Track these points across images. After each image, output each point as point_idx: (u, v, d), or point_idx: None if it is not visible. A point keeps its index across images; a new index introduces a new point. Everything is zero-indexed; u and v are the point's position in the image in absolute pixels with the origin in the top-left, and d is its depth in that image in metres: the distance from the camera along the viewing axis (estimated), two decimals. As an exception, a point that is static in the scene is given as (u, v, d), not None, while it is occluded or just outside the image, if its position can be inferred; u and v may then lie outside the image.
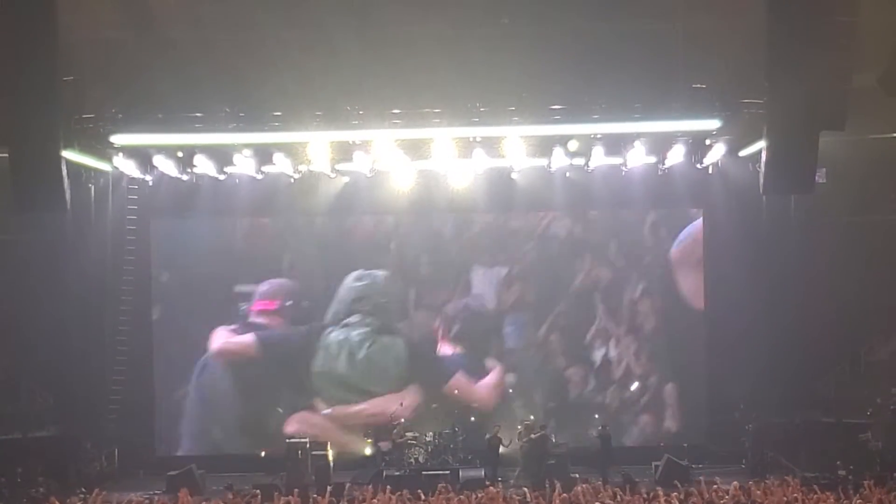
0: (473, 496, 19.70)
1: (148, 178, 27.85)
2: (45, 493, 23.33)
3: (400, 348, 29.02)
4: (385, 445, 26.98)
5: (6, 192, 22.02)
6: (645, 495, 19.86)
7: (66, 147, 22.33)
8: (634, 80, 25.43)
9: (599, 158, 26.86)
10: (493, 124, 25.46)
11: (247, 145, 26.24)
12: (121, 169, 27.30)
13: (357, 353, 28.96)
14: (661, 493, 19.34)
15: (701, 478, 22.04)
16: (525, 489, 20.92)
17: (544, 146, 26.42)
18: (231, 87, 25.71)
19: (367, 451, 27.68)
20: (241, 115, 25.44)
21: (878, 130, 26.38)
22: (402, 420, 27.69)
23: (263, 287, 29.14)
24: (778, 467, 25.58)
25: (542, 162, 27.27)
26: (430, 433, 27.04)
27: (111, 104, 25.57)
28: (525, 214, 29.12)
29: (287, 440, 26.75)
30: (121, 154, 26.56)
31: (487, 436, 26.71)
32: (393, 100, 25.30)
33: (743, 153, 26.07)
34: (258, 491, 21.11)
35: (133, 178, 28.15)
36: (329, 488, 21.71)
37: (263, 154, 26.61)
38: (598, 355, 29.16)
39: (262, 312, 29.11)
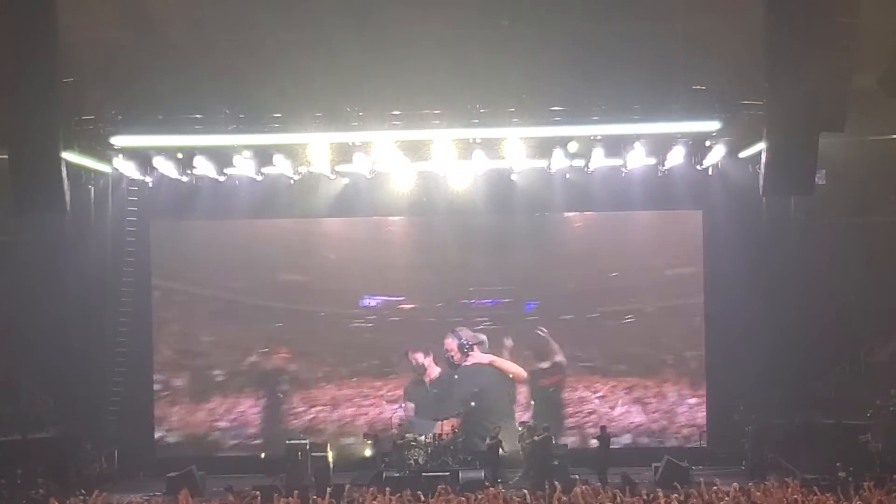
0: (473, 498, 19.67)
1: (148, 179, 27.83)
2: (45, 495, 23.28)
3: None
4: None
5: (6, 194, 22.04)
6: (645, 497, 19.83)
7: (65, 148, 22.34)
8: (634, 81, 25.44)
9: (599, 160, 26.85)
10: (493, 126, 25.46)
11: (246, 147, 26.25)
12: (120, 170, 27.31)
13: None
14: (660, 494, 19.30)
15: (701, 479, 22.01)
16: (525, 491, 20.92)
17: (544, 147, 26.42)
18: (231, 89, 25.73)
19: (367, 452, 27.66)
20: (240, 116, 25.45)
21: (877, 131, 26.39)
22: (403, 422, 27.72)
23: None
24: (778, 469, 25.58)
25: (542, 163, 27.26)
26: (431, 434, 27.06)
27: (111, 105, 25.61)
28: (525, 216, 29.09)
29: (287, 441, 26.75)
30: (121, 155, 26.58)
31: (488, 441, 26.69)
32: (393, 101, 25.30)
33: (743, 154, 26.06)
34: (258, 492, 21.04)
35: (133, 180, 28.15)
36: (329, 490, 21.65)
37: (263, 155, 26.61)
38: (598, 356, 29.15)
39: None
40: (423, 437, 26.66)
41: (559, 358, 29.13)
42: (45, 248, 28.05)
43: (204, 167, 26.91)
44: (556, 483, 20.36)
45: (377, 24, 25.99)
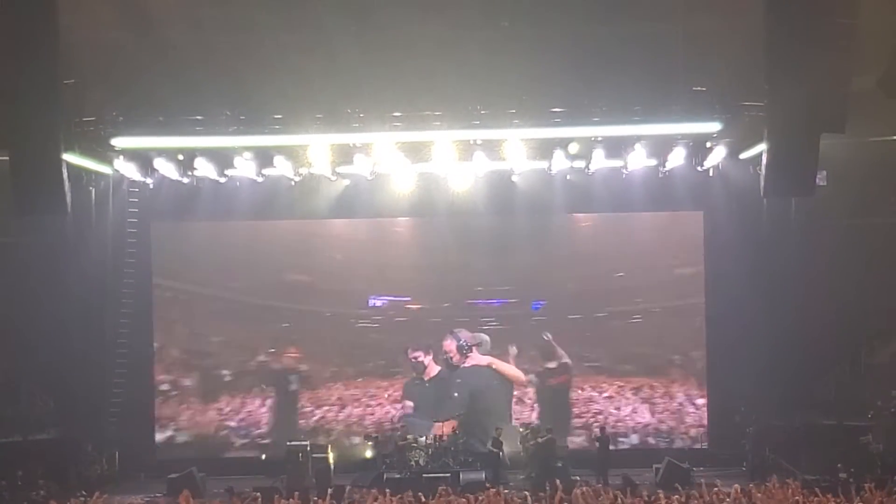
0: (474, 499, 19.64)
1: (148, 180, 27.83)
2: (46, 496, 23.30)
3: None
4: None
5: (7, 195, 22.05)
6: (645, 498, 19.82)
7: (66, 150, 22.35)
8: (635, 82, 25.43)
9: (600, 161, 26.84)
10: (494, 127, 25.45)
11: (247, 148, 26.25)
12: (121, 172, 27.31)
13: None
14: (661, 495, 19.29)
15: (702, 481, 22.00)
16: (526, 493, 20.90)
17: (545, 149, 26.42)
18: (231, 90, 25.73)
19: (368, 453, 27.66)
20: (241, 117, 25.45)
21: (878, 133, 26.36)
22: (404, 422, 27.72)
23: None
24: (779, 470, 25.50)
25: (543, 164, 27.26)
26: (431, 436, 27.07)
27: (112, 107, 25.60)
28: (526, 217, 29.09)
29: (287, 443, 26.77)
30: (121, 157, 26.58)
31: (490, 442, 26.69)
32: (393, 102, 25.31)
33: (743, 156, 26.06)
34: (259, 494, 21.05)
35: (133, 181, 28.15)
36: (329, 491, 21.64)
37: (264, 157, 26.62)
38: (597, 356, 29.15)
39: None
40: (423, 439, 26.67)
41: (566, 360, 29.14)
42: (45, 250, 28.05)
43: (204, 168, 26.92)
44: (558, 482, 20.36)
45: (377, 26, 25.99)
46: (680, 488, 20.37)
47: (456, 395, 28.71)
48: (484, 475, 25.62)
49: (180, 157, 26.83)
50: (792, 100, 20.55)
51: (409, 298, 29.41)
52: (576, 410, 29.18)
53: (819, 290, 27.37)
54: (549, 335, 28.95)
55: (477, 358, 28.99)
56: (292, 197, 28.56)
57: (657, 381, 29.11)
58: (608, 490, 20.56)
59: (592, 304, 29.10)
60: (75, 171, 24.71)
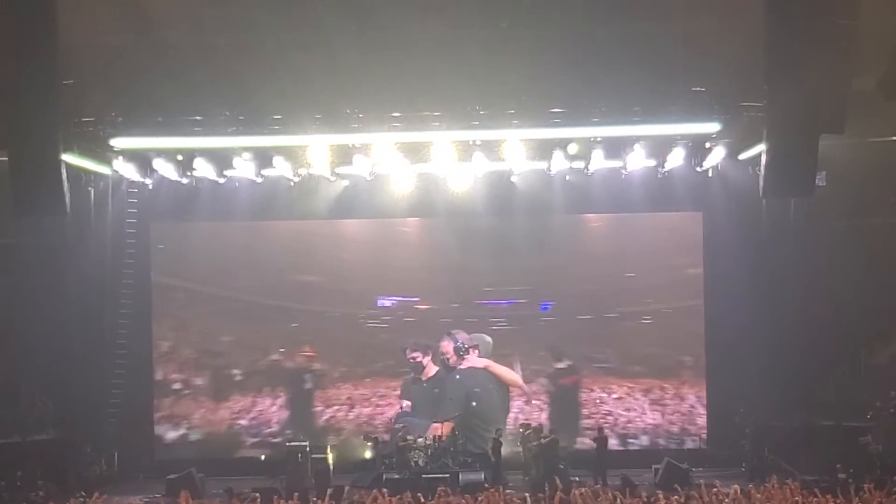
0: (473, 499, 19.64)
1: (148, 181, 27.84)
2: (45, 497, 23.35)
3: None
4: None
5: (6, 196, 22.05)
6: (645, 499, 19.83)
7: (65, 150, 22.37)
8: (634, 82, 25.44)
9: (599, 161, 26.85)
10: (493, 127, 25.47)
11: (246, 149, 26.26)
12: (120, 172, 27.32)
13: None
14: (661, 496, 19.30)
15: (701, 481, 22.00)
16: (526, 493, 20.89)
17: (544, 149, 26.42)
18: (230, 91, 25.73)
19: (367, 454, 27.67)
20: (240, 118, 25.47)
21: (877, 133, 26.37)
22: (404, 422, 27.73)
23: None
24: (778, 470, 25.48)
25: (542, 165, 27.26)
26: (431, 436, 27.06)
27: (111, 108, 25.61)
28: (526, 217, 29.07)
29: (287, 444, 26.77)
30: (120, 157, 26.60)
31: (489, 446, 26.69)
32: (392, 103, 25.31)
33: (743, 156, 26.07)
34: (258, 494, 21.07)
35: (133, 182, 28.15)
36: (329, 492, 21.66)
37: (263, 157, 26.63)
38: (597, 357, 29.15)
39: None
40: (422, 440, 26.67)
41: (571, 362, 29.16)
42: (45, 251, 28.05)
43: (204, 169, 26.92)
44: (558, 481, 20.35)
45: (377, 26, 26.00)
46: (679, 489, 20.38)
47: (451, 398, 28.70)
48: (483, 476, 25.62)
49: (179, 157, 26.84)
50: (791, 100, 20.55)
51: (417, 299, 29.40)
52: (585, 411, 29.18)
53: (818, 290, 27.36)
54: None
55: (474, 360, 28.97)
56: (291, 197, 28.56)
57: (667, 383, 29.08)
58: (607, 491, 20.56)
59: (599, 304, 29.07)
60: (74, 171, 24.74)
